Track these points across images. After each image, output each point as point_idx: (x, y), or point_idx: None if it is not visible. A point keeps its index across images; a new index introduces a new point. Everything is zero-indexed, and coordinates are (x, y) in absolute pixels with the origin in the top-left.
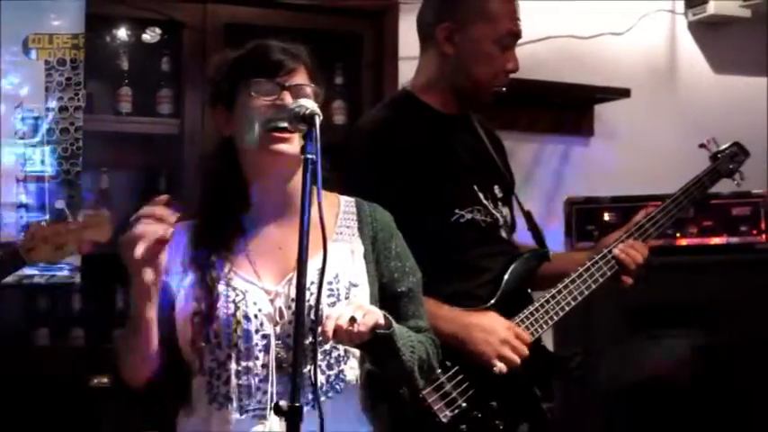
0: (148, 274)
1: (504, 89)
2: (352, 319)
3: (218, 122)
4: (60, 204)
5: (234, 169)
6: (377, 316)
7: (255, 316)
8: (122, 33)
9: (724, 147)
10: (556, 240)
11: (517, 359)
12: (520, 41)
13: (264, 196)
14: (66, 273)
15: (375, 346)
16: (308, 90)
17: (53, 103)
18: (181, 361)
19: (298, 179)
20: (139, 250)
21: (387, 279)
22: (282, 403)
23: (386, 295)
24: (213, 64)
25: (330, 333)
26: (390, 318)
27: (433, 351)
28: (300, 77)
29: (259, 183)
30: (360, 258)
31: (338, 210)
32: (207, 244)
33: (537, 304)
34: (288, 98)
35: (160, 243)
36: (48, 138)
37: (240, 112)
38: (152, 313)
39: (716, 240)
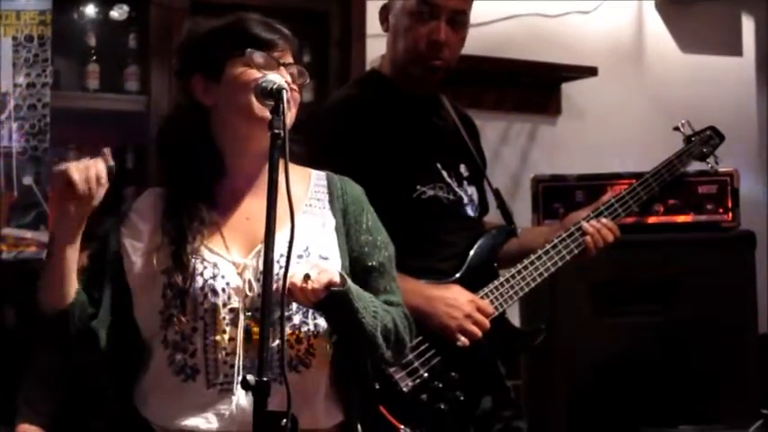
0: (79, 212)
1: (437, 62)
2: (306, 277)
3: (196, 91)
4: (28, 180)
5: (207, 138)
6: (331, 274)
7: (223, 290)
8: (90, 10)
9: (699, 130)
10: (523, 218)
11: (479, 332)
12: (487, 20)
13: (239, 167)
14: (34, 249)
15: (331, 305)
16: (298, 69)
17: (20, 80)
18: (135, 331)
19: None
20: (81, 180)
21: (357, 253)
22: (250, 378)
23: (356, 269)
24: (191, 31)
25: (284, 300)
26: (346, 276)
27: (404, 324)
28: (288, 57)
29: (236, 153)
30: (331, 231)
31: (309, 183)
32: (181, 214)
33: (502, 279)
34: (285, 74)
35: (100, 184)
36: (15, 114)
37: (232, 83)
38: (71, 253)
39: (682, 219)
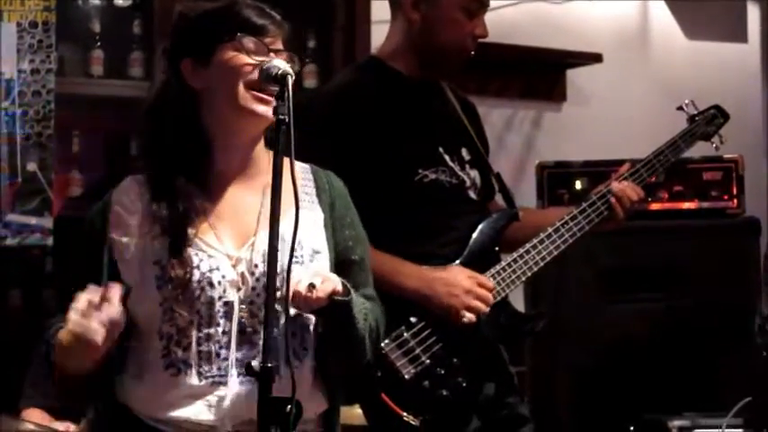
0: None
1: (472, 53)
2: (311, 286)
3: (185, 74)
4: (32, 167)
5: (196, 124)
6: (335, 283)
7: (219, 282)
8: None
9: (703, 109)
10: (528, 205)
11: (483, 307)
12: (493, 6)
13: (227, 157)
14: (38, 235)
15: (331, 313)
16: (289, 56)
17: (25, 66)
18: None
19: (262, 142)
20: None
21: (342, 247)
22: (254, 363)
23: (339, 263)
24: (182, 14)
25: (288, 298)
26: (348, 285)
27: (382, 320)
28: (279, 44)
29: (224, 142)
30: (320, 226)
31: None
32: (173, 201)
33: (504, 263)
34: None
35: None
36: (19, 100)
37: (221, 68)
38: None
39: (687, 205)
